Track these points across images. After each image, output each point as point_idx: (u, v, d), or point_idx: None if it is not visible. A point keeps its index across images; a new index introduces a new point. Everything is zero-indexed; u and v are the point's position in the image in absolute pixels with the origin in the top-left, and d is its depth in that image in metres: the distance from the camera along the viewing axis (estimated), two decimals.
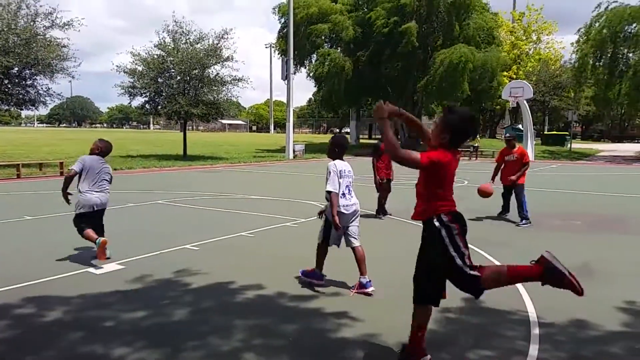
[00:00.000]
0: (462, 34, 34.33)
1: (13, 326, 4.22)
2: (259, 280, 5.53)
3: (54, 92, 19.81)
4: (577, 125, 72.28)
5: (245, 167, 22.66)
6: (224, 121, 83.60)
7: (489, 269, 3.40)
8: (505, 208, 9.92)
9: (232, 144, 42.76)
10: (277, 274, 5.78)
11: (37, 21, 18.44)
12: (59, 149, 29.76)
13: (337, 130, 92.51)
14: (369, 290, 5.07)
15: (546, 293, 5.24)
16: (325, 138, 62.04)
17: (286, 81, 30.23)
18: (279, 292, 5.16)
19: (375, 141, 11.67)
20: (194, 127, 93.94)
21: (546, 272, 3.29)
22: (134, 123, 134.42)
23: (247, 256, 6.71)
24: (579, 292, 3.23)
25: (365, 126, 69.66)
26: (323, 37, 36.40)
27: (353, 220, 5.18)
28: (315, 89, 46.51)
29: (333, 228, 5.08)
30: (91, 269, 5.86)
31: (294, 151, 29.42)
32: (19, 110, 29.88)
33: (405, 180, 11.67)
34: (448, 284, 3.54)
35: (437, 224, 3.37)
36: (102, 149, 6.41)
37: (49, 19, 18.56)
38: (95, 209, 6.24)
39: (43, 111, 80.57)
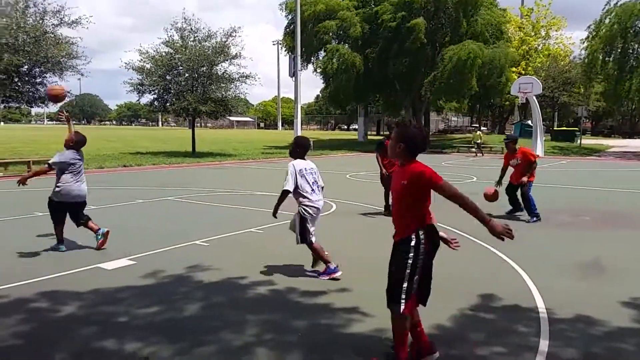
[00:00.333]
0: (470, 30, 34.13)
1: (28, 320, 4.28)
2: (269, 276, 5.56)
3: None
4: (587, 121, 71.78)
5: (254, 164, 22.71)
6: (232, 118, 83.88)
7: (411, 316, 3.50)
8: (515, 206, 9.74)
9: (241, 140, 42.85)
10: (286, 270, 5.81)
11: (46, 19, 18.55)
12: None
13: (345, 127, 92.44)
14: (338, 275, 5.45)
15: (556, 289, 5.25)
16: (333, 135, 62.10)
17: (294, 78, 30.24)
18: (289, 287, 5.19)
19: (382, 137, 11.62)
20: (203, 124, 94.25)
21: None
22: (143, 120, 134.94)
23: (256, 252, 6.75)
24: None
25: (374, 122, 69.54)
26: (330, 34, 36.30)
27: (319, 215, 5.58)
28: (322, 86, 46.41)
29: (308, 224, 5.46)
30: (102, 265, 5.92)
31: None
32: (29, 108, 30.13)
33: None
34: (438, 284, 3.53)
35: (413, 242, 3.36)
36: (77, 142, 6.62)
37: (57, 16, 18.67)
38: (80, 200, 6.57)
39: (52, 109, 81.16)
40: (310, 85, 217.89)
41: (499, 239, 3.13)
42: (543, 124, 34.56)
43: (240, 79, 25.20)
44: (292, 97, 32.75)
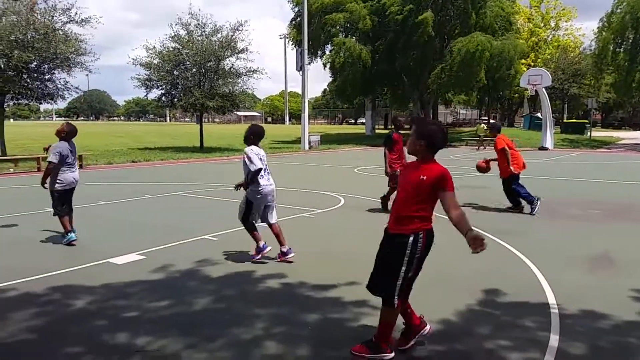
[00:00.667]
0: (478, 22, 33.87)
1: (40, 315, 4.33)
2: (278, 270, 5.59)
3: (72, 85, 20.05)
4: (597, 113, 71.05)
5: None
6: (239, 113, 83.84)
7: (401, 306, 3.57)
8: (515, 203, 9.38)
9: None
10: (295, 264, 5.83)
11: (55, 16, 18.63)
12: (77, 142, 30.11)
13: (353, 121, 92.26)
14: (290, 257, 5.85)
15: (566, 282, 5.23)
16: (341, 129, 61.99)
17: (301, 72, 30.17)
18: (298, 281, 5.21)
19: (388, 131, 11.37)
20: (210, 120, 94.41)
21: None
22: (151, 116, 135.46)
23: None
24: None
25: (381, 116, 69.30)
26: (338, 27, 36.15)
27: (272, 199, 5.96)
28: (330, 80, 46.28)
29: (254, 205, 5.81)
30: (112, 260, 5.96)
31: (309, 142, 29.41)
32: (37, 105, 30.30)
33: None
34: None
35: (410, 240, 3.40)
36: (68, 133, 6.90)
37: (67, 14, 18.75)
38: (75, 185, 6.95)
39: (61, 105, 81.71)
40: (318, 79, 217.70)
41: (473, 249, 3.15)
42: (552, 116, 34.23)
43: (247, 73, 25.20)
44: (300, 91, 32.69)
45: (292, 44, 40.23)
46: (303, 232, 7.71)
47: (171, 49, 24.36)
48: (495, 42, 32.56)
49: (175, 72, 24.50)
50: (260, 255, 5.89)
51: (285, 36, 65.15)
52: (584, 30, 57.63)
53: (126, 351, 3.67)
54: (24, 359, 3.64)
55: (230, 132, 47.06)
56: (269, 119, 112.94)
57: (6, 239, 7.13)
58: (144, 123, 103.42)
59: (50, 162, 6.64)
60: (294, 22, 39.26)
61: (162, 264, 5.78)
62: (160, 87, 24.74)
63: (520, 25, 45.30)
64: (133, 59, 24.07)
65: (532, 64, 45.41)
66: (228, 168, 18.03)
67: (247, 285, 5.14)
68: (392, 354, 3.55)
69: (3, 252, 6.45)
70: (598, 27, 33.65)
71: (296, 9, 37.99)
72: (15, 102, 20.57)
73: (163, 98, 25.35)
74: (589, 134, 39.24)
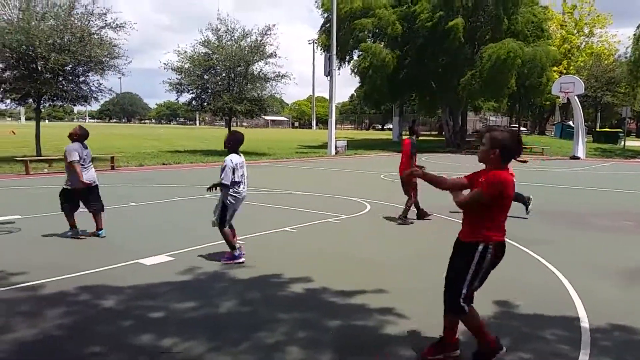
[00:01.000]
0: (510, 28, 33.40)
1: (69, 313, 4.43)
2: (303, 275, 5.59)
3: (105, 88, 20.52)
4: (632, 122, 69.19)
5: (288, 163, 22.86)
6: (267, 117, 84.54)
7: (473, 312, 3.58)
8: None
9: (275, 140, 43.18)
10: (320, 269, 5.84)
11: (92, 20, 19.12)
12: (109, 143, 30.83)
13: (380, 127, 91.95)
14: (241, 260, 6.03)
15: (596, 295, 5.09)
16: (368, 134, 61.85)
17: (329, 77, 30.24)
18: (322, 287, 5.21)
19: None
20: (238, 124, 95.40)
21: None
22: (181, 119, 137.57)
23: (290, 251, 6.80)
24: None
25: (409, 122, 68.88)
26: (366, 32, 36.11)
27: (241, 205, 6.31)
28: (357, 85, 46.20)
29: (229, 208, 6.08)
30: (141, 260, 6.07)
31: (335, 147, 29.43)
32: (72, 106, 31.07)
33: None
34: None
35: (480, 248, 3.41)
36: (81, 136, 7.35)
37: (102, 19, 19.24)
38: (95, 182, 7.38)
39: (94, 107, 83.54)
40: (346, 84, 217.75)
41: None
42: (585, 125, 33.49)
43: (275, 78, 25.41)
44: (327, 96, 32.76)
45: (321, 49, 40.39)
46: (328, 238, 7.71)
47: (202, 53, 24.74)
48: (527, 48, 32.03)
49: (205, 77, 24.87)
50: (230, 261, 6.04)
51: (314, 41, 65.47)
52: (619, 37, 56.11)
53: (152, 352, 3.73)
54: (52, 357, 3.73)
55: (257, 137, 47.46)
56: (296, 124, 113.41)
57: (41, 237, 7.32)
58: (174, 126, 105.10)
59: (72, 162, 7.08)
60: (323, 27, 39.40)
61: (189, 266, 5.86)
62: (191, 91, 25.14)
63: (553, 32, 44.49)
64: (165, 64, 24.56)
65: (565, 71, 44.52)
66: (255, 172, 18.17)
67: (272, 289, 5.17)
68: (504, 349, 3.61)
69: (37, 250, 6.63)
70: (634, 34, 32.80)
71: (325, 15, 38.10)
72: (51, 103, 21.14)
73: (193, 102, 25.76)
74: (622, 143, 38.22)
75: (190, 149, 28.42)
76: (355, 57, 38.11)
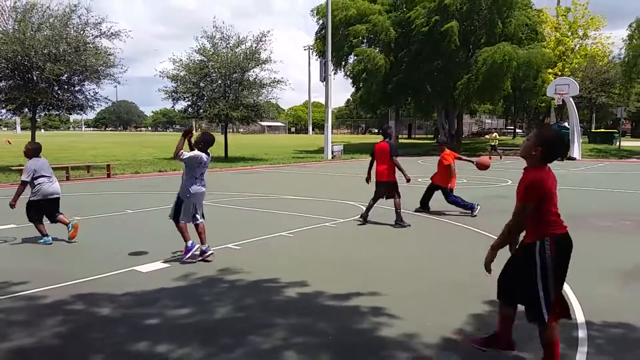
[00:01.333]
0: (504, 32, 33.58)
1: (65, 322, 4.41)
2: (299, 279, 5.58)
3: (101, 96, 20.52)
4: (627, 122, 69.48)
5: (285, 168, 22.86)
6: (263, 123, 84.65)
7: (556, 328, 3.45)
8: (423, 205, 10.19)
9: (272, 145, 43.20)
10: (316, 273, 5.83)
11: (87, 30, 19.15)
12: (105, 152, 30.81)
13: (376, 131, 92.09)
14: (208, 255, 6.33)
15: (595, 297, 5.10)
16: (364, 139, 61.92)
17: (324, 82, 30.32)
18: (318, 291, 5.20)
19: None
20: (234, 130, 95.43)
21: None
22: (177, 126, 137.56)
23: (287, 256, 6.79)
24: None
25: (405, 126, 69.07)
26: (361, 38, 36.26)
27: (201, 201, 6.58)
28: (353, 90, 46.34)
29: (183, 206, 6.37)
30: (137, 267, 6.05)
31: (332, 152, 29.46)
32: (67, 115, 31.10)
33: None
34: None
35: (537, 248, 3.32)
36: (34, 150, 7.47)
37: (97, 28, 19.27)
38: (55, 197, 7.43)
39: (90, 115, 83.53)
40: (341, 89, 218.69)
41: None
42: (580, 126, 33.59)
43: (271, 84, 25.45)
44: (323, 101, 32.82)
45: (317, 55, 40.53)
46: (324, 242, 7.71)
47: (197, 61, 24.78)
48: (522, 51, 32.21)
49: (201, 84, 24.90)
50: (189, 255, 6.28)
51: (309, 47, 65.74)
52: (613, 38, 56.42)
53: (148, 359, 3.71)
54: None
55: (253, 142, 47.50)
56: (293, 129, 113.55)
57: (36, 246, 7.29)
58: (170, 133, 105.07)
59: (22, 181, 7.25)
60: (318, 34, 39.54)
61: (185, 272, 5.85)
62: (187, 99, 25.16)
63: (547, 35, 44.71)
64: (160, 72, 24.59)
65: (560, 73, 44.68)
66: (252, 177, 18.17)
67: (268, 295, 5.15)
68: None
69: (33, 259, 6.62)
70: (628, 35, 33.02)
71: (320, 22, 38.27)
72: (47, 113, 21.13)
73: (189, 109, 25.77)
74: (618, 143, 38.37)
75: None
76: (350, 62, 38.27)
